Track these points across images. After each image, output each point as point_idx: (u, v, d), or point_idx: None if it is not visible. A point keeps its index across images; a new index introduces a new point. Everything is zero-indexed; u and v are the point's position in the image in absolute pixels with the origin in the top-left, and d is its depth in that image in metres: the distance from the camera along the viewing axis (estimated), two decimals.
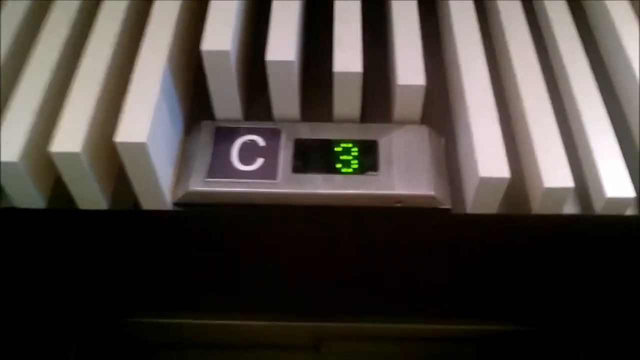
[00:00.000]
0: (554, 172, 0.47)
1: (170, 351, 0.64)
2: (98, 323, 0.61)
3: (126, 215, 0.48)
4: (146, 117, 0.44)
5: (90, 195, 0.46)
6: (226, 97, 0.50)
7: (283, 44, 0.49)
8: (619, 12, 0.57)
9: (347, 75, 0.49)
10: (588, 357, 0.61)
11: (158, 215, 0.47)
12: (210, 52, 0.47)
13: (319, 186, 0.48)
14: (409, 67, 0.50)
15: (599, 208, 0.48)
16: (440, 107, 0.56)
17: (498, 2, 0.58)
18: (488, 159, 0.46)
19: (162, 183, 0.46)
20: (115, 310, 0.60)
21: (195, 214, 0.48)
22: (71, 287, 0.56)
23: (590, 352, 0.62)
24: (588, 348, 0.62)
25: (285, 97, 0.50)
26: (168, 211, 0.47)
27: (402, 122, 0.52)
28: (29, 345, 0.61)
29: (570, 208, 0.50)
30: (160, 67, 0.47)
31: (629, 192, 0.47)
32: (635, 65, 0.52)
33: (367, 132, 0.51)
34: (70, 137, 0.43)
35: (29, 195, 0.46)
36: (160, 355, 0.64)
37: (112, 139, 0.43)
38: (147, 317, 0.62)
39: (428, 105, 0.54)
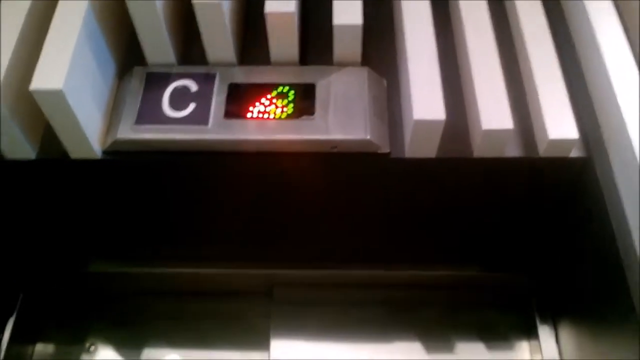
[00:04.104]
0: (493, 114, 0.45)
1: (118, 301, 0.64)
2: (41, 274, 0.62)
3: (53, 165, 0.47)
4: (64, 63, 0.42)
5: (16, 144, 0.45)
6: (156, 41, 0.48)
7: None
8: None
9: (280, 15, 0.47)
10: (540, 302, 0.61)
11: (86, 164, 0.46)
12: None
13: (251, 132, 0.47)
14: (346, 7, 0.48)
15: (542, 150, 0.47)
16: (389, 50, 0.54)
17: None
18: (423, 101, 0.45)
19: (87, 131, 0.45)
20: (55, 261, 0.60)
21: (124, 162, 0.47)
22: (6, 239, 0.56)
23: (541, 295, 0.61)
24: (538, 291, 0.61)
25: (217, 40, 0.49)
26: (96, 160, 0.46)
27: (343, 65, 0.50)
28: None
29: (514, 151, 0.48)
30: (81, 11, 0.45)
31: (572, 133, 0.46)
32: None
33: (305, 75, 0.50)
34: None
35: None
36: (111, 305, 0.64)
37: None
38: (87, 268, 0.62)
39: (375, 47, 0.53)
